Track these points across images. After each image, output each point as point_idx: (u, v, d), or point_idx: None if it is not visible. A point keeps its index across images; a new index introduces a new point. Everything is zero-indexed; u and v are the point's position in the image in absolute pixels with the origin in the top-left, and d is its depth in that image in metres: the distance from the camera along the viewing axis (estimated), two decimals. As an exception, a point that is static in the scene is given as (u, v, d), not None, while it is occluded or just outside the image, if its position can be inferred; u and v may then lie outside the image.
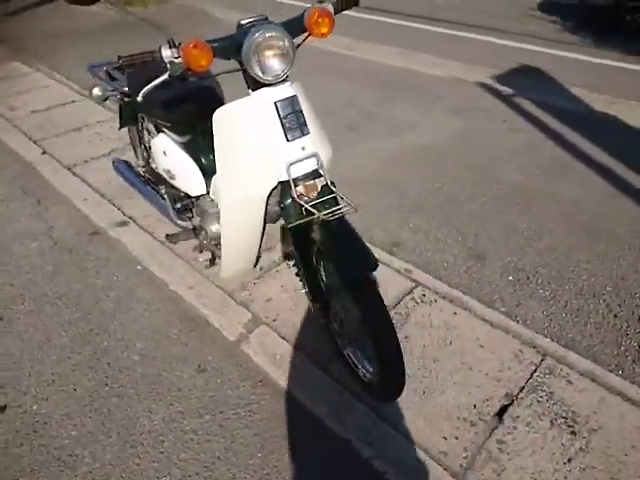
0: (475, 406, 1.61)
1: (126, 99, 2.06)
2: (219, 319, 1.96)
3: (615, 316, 1.95)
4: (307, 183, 1.39)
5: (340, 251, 1.33)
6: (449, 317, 1.93)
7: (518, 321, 1.93)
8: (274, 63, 1.28)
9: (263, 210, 1.49)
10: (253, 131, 1.37)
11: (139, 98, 1.36)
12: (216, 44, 1.27)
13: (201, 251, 2.13)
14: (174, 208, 2.03)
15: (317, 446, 1.52)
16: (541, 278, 2.14)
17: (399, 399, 1.57)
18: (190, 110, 1.79)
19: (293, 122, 1.36)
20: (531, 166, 3.05)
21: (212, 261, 2.19)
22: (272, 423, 1.59)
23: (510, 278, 2.15)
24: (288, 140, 1.36)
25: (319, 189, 1.40)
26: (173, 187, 2.02)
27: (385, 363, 1.36)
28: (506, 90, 4.22)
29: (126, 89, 2.01)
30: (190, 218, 2.08)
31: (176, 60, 1.29)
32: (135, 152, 2.51)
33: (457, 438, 1.52)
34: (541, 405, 1.61)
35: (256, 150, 1.38)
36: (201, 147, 1.90)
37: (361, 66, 4.78)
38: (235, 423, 1.59)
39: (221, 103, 1.73)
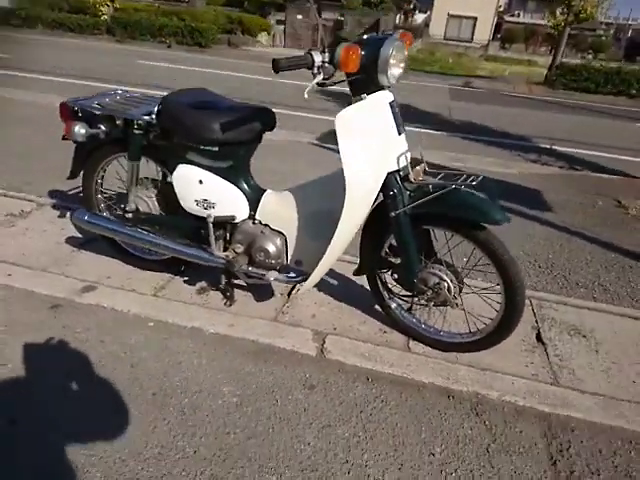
0: (523, 340, 2.05)
1: (136, 131, 1.85)
2: (286, 342, 1.89)
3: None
4: (416, 168, 1.65)
5: (481, 203, 1.56)
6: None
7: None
8: (397, 70, 1.55)
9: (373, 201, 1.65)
10: (373, 128, 1.57)
11: (306, 95, 1.38)
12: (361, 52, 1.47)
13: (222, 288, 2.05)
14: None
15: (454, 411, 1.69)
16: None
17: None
18: (243, 133, 1.78)
19: (398, 120, 1.63)
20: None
21: (230, 297, 2.09)
22: (410, 402, 1.67)
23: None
24: (399, 134, 1.62)
25: (422, 174, 1.68)
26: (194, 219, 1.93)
27: (515, 305, 1.67)
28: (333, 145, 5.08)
29: (129, 115, 1.84)
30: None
31: (327, 64, 1.43)
32: (91, 201, 2.17)
33: (532, 362, 1.92)
34: (554, 327, 2.15)
35: (376, 145, 1.58)
36: (242, 170, 1.89)
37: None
38: (379, 415, 1.61)
39: (271, 123, 1.82)
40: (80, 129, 1.88)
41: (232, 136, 1.77)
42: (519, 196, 3.94)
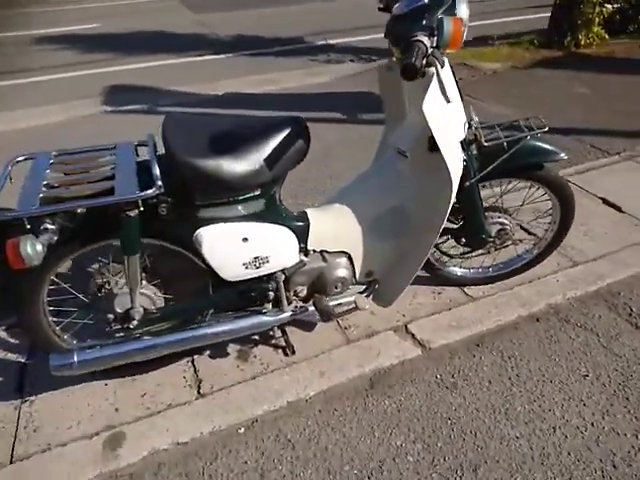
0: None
1: (131, 214, 1.17)
2: (387, 357, 1.72)
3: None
4: (478, 129, 1.54)
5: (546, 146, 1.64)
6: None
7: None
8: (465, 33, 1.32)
9: None
10: (449, 102, 1.38)
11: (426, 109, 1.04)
12: None
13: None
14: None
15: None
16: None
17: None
18: (290, 159, 1.34)
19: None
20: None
21: (289, 345, 1.75)
22: (525, 344, 1.77)
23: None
24: (462, 100, 1.47)
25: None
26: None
27: (570, 220, 1.82)
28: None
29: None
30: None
31: (434, 49, 1.14)
32: (47, 333, 1.41)
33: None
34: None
35: (454, 118, 1.41)
36: (278, 202, 1.46)
37: None
38: (521, 369, 1.68)
39: (308, 133, 1.41)
40: (36, 246, 1.12)
41: (280, 168, 1.33)
42: (362, 105, 4.05)
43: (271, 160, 1.30)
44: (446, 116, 1.38)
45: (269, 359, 1.74)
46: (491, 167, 1.56)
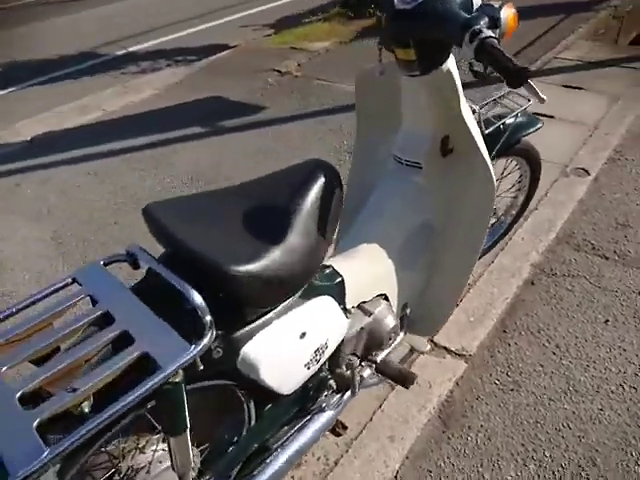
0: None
1: (177, 381, 0.72)
2: (440, 386, 1.55)
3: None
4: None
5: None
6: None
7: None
8: None
9: None
10: None
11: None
12: None
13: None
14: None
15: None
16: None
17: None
18: (330, 224, 1.00)
19: None
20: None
21: (338, 423, 1.46)
22: (544, 308, 1.77)
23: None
24: None
25: None
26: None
27: (537, 180, 1.84)
28: None
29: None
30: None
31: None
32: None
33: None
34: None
35: None
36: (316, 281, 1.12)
37: None
38: (556, 330, 1.67)
39: (338, 182, 1.11)
40: None
41: (331, 231, 1.00)
42: (215, 112, 3.65)
43: (323, 226, 0.97)
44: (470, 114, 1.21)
45: (323, 450, 1.42)
46: (495, 152, 1.46)
